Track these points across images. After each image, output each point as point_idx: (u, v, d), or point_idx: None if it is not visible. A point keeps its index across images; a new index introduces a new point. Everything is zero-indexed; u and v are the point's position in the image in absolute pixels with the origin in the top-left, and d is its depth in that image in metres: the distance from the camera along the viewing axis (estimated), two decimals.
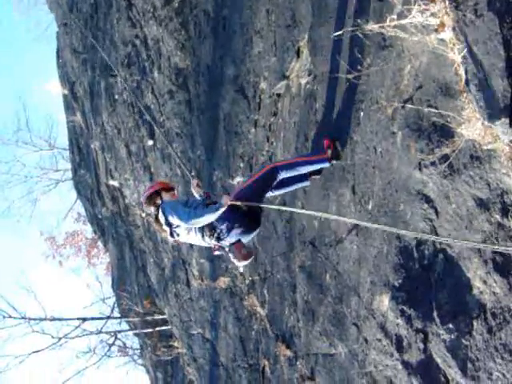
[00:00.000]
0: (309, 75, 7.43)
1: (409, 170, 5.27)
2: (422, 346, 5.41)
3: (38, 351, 22.74)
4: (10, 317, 22.49)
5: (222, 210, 5.98)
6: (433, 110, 4.89)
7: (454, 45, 4.48)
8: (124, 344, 25.73)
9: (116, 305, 23.59)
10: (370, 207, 6.03)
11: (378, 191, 5.86)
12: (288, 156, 7.88)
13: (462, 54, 4.33)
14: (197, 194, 6.97)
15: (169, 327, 16.48)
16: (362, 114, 6.13)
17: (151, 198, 6.63)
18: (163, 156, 12.88)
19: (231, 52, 9.53)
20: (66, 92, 21.43)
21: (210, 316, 12.35)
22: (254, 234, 6.68)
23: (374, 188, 5.93)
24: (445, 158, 4.80)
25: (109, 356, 24.52)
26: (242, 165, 9.59)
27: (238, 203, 6.12)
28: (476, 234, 4.53)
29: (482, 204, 4.45)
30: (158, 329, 17.75)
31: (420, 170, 5.11)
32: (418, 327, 5.44)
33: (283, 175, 6.37)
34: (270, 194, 6.75)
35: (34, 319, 22.91)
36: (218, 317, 11.83)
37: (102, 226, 20.91)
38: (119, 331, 24.38)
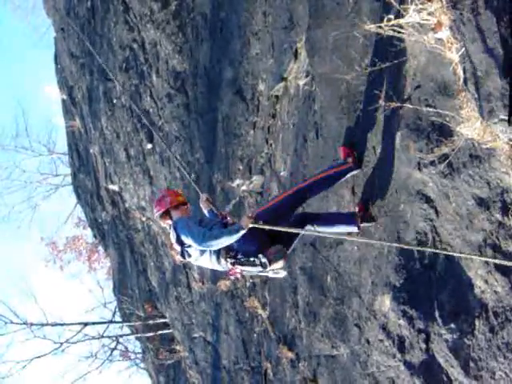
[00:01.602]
0: (307, 76, 7.42)
1: (408, 170, 5.26)
2: (424, 346, 5.40)
3: (40, 356, 22.75)
4: (12, 322, 22.50)
5: (242, 232, 5.39)
6: (431, 109, 4.88)
7: (451, 44, 4.47)
8: (126, 348, 25.72)
9: (117, 309, 23.56)
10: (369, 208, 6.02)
11: (377, 192, 5.85)
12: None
13: (460, 53, 4.32)
14: (206, 210, 6.44)
15: (170, 331, 16.47)
16: (360, 114, 6.12)
17: (161, 216, 6.17)
18: (162, 159, 12.88)
19: (229, 54, 9.52)
20: (65, 97, 21.42)
21: (212, 319, 12.33)
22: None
23: (373, 188, 5.92)
24: (444, 157, 4.79)
25: (111, 360, 24.52)
26: (241, 167, 9.58)
27: (260, 226, 5.44)
28: (476, 233, 4.52)
29: (482, 203, 4.44)
30: (159, 332, 17.73)
31: (419, 169, 5.10)
32: (419, 327, 5.43)
33: (312, 195, 6.02)
34: (311, 229, 6.02)
35: (36, 324, 22.93)
36: (220, 319, 11.81)
37: (103, 230, 20.89)
38: (121, 335, 24.38)
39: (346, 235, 5.92)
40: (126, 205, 16.81)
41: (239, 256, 5.68)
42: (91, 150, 18.72)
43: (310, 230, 6.02)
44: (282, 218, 5.74)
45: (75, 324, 22.71)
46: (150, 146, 13.43)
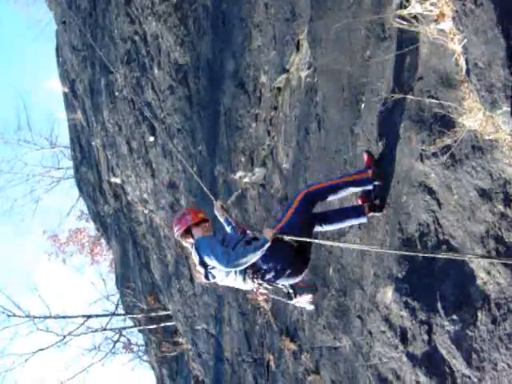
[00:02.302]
0: (309, 68, 7.41)
1: (411, 162, 5.25)
2: (426, 337, 5.40)
3: (43, 349, 22.81)
4: (15, 315, 22.54)
5: (267, 245, 5.19)
6: (434, 100, 4.86)
7: (454, 35, 4.46)
8: (129, 341, 25.78)
9: (120, 302, 23.63)
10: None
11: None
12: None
13: (463, 44, 4.31)
14: (221, 217, 6.21)
15: (173, 323, 16.51)
16: (362, 105, 6.11)
17: (182, 235, 5.92)
18: (164, 152, 12.88)
19: (231, 46, 9.51)
20: (67, 90, 21.41)
21: (214, 311, 12.36)
22: (303, 275, 5.73)
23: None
24: (446, 148, 4.78)
25: (114, 353, 24.59)
26: (243, 159, 9.58)
27: (284, 237, 5.29)
28: (479, 224, 4.52)
29: (485, 194, 4.43)
30: (162, 325, 17.77)
31: (422, 161, 5.09)
32: (422, 319, 5.43)
33: (323, 200, 5.78)
34: (319, 229, 5.93)
35: (39, 317, 22.97)
36: (222, 312, 11.83)
37: (105, 223, 20.92)
38: (124, 328, 24.44)
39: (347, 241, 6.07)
40: (129, 197, 16.83)
41: (267, 276, 5.45)
42: (93, 143, 18.72)
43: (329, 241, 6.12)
44: (306, 226, 5.61)
45: (78, 317, 22.76)
46: (152, 138, 13.43)
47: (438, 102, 4.81)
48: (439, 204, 4.95)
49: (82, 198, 25.47)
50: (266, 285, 5.49)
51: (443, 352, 5.18)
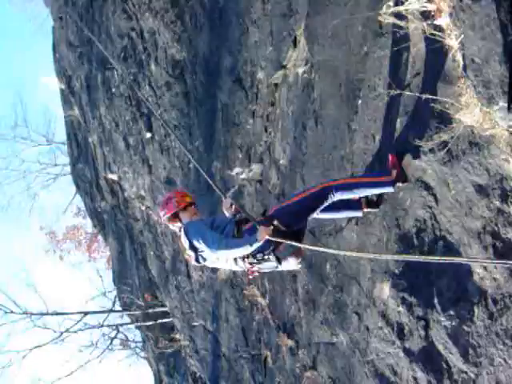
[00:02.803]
0: (306, 64, 7.41)
1: (408, 158, 5.26)
2: (423, 333, 5.41)
3: (41, 346, 22.78)
4: (12, 312, 22.49)
5: (259, 244, 5.14)
6: (431, 96, 4.86)
7: (451, 31, 4.46)
8: (126, 337, 25.76)
9: (117, 298, 23.60)
10: None
11: None
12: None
13: (459, 40, 4.31)
14: (229, 214, 5.95)
15: (170, 319, 16.51)
16: (360, 101, 6.12)
17: (169, 219, 5.82)
18: (161, 148, 12.87)
19: (228, 42, 9.50)
20: (63, 86, 21.37)
21: (212, 307, 12.36)
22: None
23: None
24: (443, 144, 4.78)
25: (111, 349, 24.55)
26: (240, 155, 9.58)
27: (276, 239, 5.17)
28: (476, 220, 4.53)
29: (482, 190, 4.44)
30: (159, 321, 17.76)
31: (419, 157, 5.09)
32: (418, 314, 5.44)
33: (338, 196, 5.34)
34: (315, 216, 5.71)
35: (36, 314, 22.91)
36: (220, 308, 11.84)
37: (102, 219, 20.90)
38: (121, 324, 24.41)
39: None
40: (126, 194, 16.82)
41: (258, 256, 5.41)
42: (90, 140, 18.70)
43: (318, 245, 6.11)
44: (300, 217, 5.46)
45: (75, 313, 22.69)
46: (149, 134, 13.41)
47: (435, 97, 4.82)
48: (436, 200, 4.96)
49: (78, 195, 25.43)
50: (256, 263, 5.49)
51: (440, 347, 5.20)
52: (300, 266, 5.72)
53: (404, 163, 5.29)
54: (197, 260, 5.60)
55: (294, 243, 5.19)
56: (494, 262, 4.29)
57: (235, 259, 5.49)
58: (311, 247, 5.75)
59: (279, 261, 5.44)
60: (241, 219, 5.61)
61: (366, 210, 5.80)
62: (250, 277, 5.73)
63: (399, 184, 5.29)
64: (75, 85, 19.22)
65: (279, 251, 5.41)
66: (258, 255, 5.39)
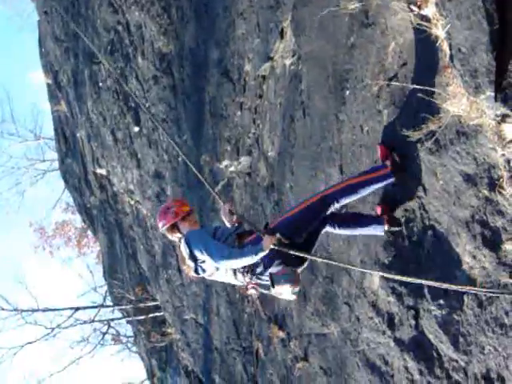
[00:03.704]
0: (293, 56, 7.40)
1: (396, 146, 5.26)
2: (413, 322, 5.44)
3: (32, 342, 22.75)
4: (3, 309, 22.43)
5: (263, 254, 4.93)
6: (418, 86, 4.87)
7: (437, 20, 4.46)
8: (117, 332, 25.79)
9: (108, 293, 23.58)
10: None
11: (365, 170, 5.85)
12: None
13: (446, 30, 4.31)
14: (228, 222, 5.75)
15: (161, 313, 16.50)
16: (347, 92, 6.11)
17: (168, 230, 5.62)
18: (150, 142, 12.83)
19: (215, 35, 9.47)
20: (50, 81, 21.25)
21: (202, 301, 12.37)
22: (300, 270, 5.41)
23: (361, 167, 5.92)
24: (431, 134, 4.79)
25: (102, 344, 24.59)
26: (228, 148, 9.56)
27: (282, 249, 4.98)
28: (464, 209, 4.54)
29: (470, 179, 4.45)
30: (150, 315, 17.76)
31: (407, 147, 5.10)
32: (409, 304, 5.47)
33: (343, 202, 5.25)
34: (331, 230, 5.59)
35: (27, 310, 22.88)
36: (210, 301, 11.85)
37: (91, 214, 20.84)
38: (112, 319, 24.41)
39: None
40: (115, 188, 16.77)
41: (257, 270, 5.22)
42: (78, 135, 18.62)
43: (323, 257, 5.89)
44: (301, 229, 5.24)
45: (66, 309, 22.66)
46: (136, 128, 13.37)
47: (422, 87, 4.82)
48: (424, 190, 4.98)
49: (67, 190, 25.33)
50: (255, 279, 5.29)
51: (430, 336, 5.22)
52: (294, 297, 5.37)
53: (394, 153, 5.24)
54: (196, 271, 5.40)
55: (298, 253, 5.04)
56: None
57: (235, 272, 5.30)
58: (317, 258, 5.65)
59: (272, 283, 5.15)
60: (243, 232, 5.43)
61: (387, 228, 5.46)
62: (248, 292, 5.43)
63: (393, 179, 5.17)
64: (62, 80, 19.11)
65: (277, 274, 5.16)
66: (257, 269, 5.20)
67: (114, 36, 13.67)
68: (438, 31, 4.47)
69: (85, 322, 23.05)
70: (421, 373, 5.47)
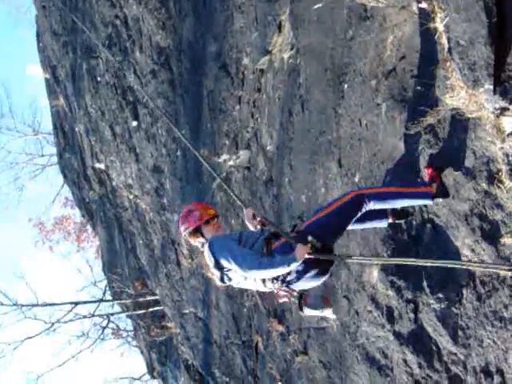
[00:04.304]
0: (291, 49, 7.38)
1: (394, 141, 5.26)
2: (412, 316, 5.45)
3: (32, 337, 22.74)
4: (2, 304, 22.40)
5: (296, 265, 4.54)
6: (416, 79, 4.87)
7: (435, 14, 4.45)
8: (117, 326, 25.78)
9: (108, 288, 23.58)
10: (356, 179, 6.02)
11: (364, 163, 5.85)
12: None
13: (444, 23, 4.30)
14: (253, 227, 5.38)
15: (161, 308, 16.51)
16: (346, 86, 6.10)
17: (190, 235, 5.25)
18: (148, 136, 12.80)
19: (213, 29, 9.44)
20: (48, 76, 21.18)
21: (202, 295, 12.37)
22: (327, 277, 5.04)
23: (360, 160, 5.92)
24: (430, 127, 4.79)
25: (102, 339, 24.57)
26: (227, 142, 9.55)
27: (317, 256, 4.60)
28: (463, 202, 4.54)
29: (469, 173, 4.45)
30: (150, 310, 17.78)
31: (405, 140, 5.10)
32: (408, 297, 5.47)
33: (371, 206, 4.78)
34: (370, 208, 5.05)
35: (26, 305, 22.85)
36: (210, 295, 11.85)
37: (90, 209, 20.83)
38: (112, 314, 24.41)
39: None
40: (113, 183, 16.75)
41: (289, 278, 4.78)
42: (76, 129, 18.58)
43: (360, 258, 5.38)
44: (337, 230, 4.89)
45: (66, 304, 22.65)
46: (135, 123, 13.33)
47: (420, 81, 4.82)
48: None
49: (66, 185, 25.30)
50: (286, 287, 4.87)
51: (429, 330, 5.23)
52: (334, 317, 5.24)
53: (443, 175, 4.80)
54: (222, 280, 5.01)
55: (332, 258, 4.81)
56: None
57: (264, 280, 4.89)
58: (357, 259, 5.39)
59: (301, 308, 4.84)
60: (269, 236, 4.93)
61: (392, 220, 5.29)
62: (280, 301, 5.06)
63: (439, 199, 4.74)
64: (60, 74, 19.06)
65: (305, 298, 4.83)
66: (289, 277, 4.77)
67: (111, 30, 13.62)
68: (437, 24, 4.47)
69: (84, 317, 23.05)
70: (420, 366, 5.49)
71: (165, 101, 11.54)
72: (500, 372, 4.51)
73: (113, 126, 14.87)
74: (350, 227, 5.08)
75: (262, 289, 5.05)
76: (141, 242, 15.65)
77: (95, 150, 16.98)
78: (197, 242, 5.24)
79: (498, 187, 4.17)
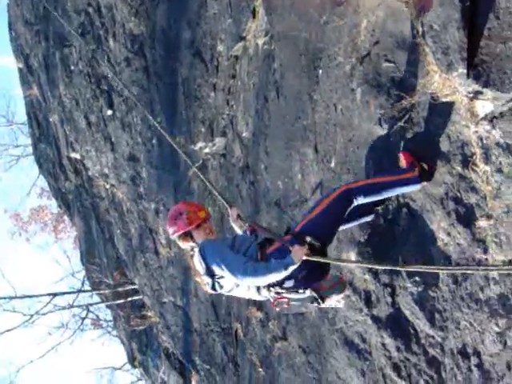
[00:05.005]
0: (265, 35, 7.34)
1: (369, 126, 5.26)
2: (390, 300, 5.48)
3: (10, 330, 22.59)
4: None
5: (293, 268, 4.33)
6: (391, 64, 4.86)
7: None
8: (97, 317, 25.75)
9: (86, 278, 23.46)
10: (332, 165, 6.03)
11: (340, 149, 5.85)
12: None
13: (418, 7, 4.30)
14: (239, 228, 5.29)
15: (140, 297, 16.48)
16: (320, 71, 6.08)
17: (180, 239, 4.96)
18: (123, 125, 12.70)
19: (186, 15, 9.35)
20: (21, 65, 20.91)
21: (181, 283, 12.36)
22: (326, 278, 4.86)
23: (335, 146, 5.92)
24: (404, 112, 4.79)
25: (82, 330, 24.56)
26: (203, 129, 9.50)
27: (315, 259, 4.40)
28: (438, 186, 4.56)
29: (443, 156, 4.46)
30: (129, 299, 17.73)
31: (380, 125, 5.10)
32: (385, 282, 5.50)
33: (361, 200, 4.67)
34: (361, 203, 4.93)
35: (4, 298, 22.69)
36: (189, 283, 11.84)
37: (67, 199, 20.66)
38: (91, 304, 24.35)
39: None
40: (89, 173, 16.62)
41: (286, 284, 4.57)
42: (51, 119, 18.39)
43: (362, 262, 5.39)
44: (332, 227, 4.76)
45: (44, 295, 22.52)
46: (110, 111, 13.21)
47: (394, 65, 4.82)
48: (398, 167, 4.98)
49: (42, 176, 25.08)
50: (285, 293, 4.66)
51: (407, 313, 5.27)
52: (343, 302, 4.90)
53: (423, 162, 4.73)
54: (213, 287, 4.76)
55: (331, 261, 4.72)
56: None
57: (258, 288, 4.68)
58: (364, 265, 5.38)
59: (322, 299, 4.68)
60: (263, 242, 4.77)
61: (375, 208, 5.21)
62: (277, 309, 4.82)
63: (424, 183, 4.68)
64: (33, 63, 18.82)
65: (322, 289, 4.66)
66: (286, 283, 4.55)
67: (84, 18, 13.46)
68: (411, 8, 4.46)
69: (63, 308, 22.96)
70: (398, 349, 5.53)
71: (139, 89, 11.45)
72: (477, 353, 4.56)
73: (87, 115, 14.73)
74: (344, 227, 5.02)
75: (256, 297, 4.86)
76: (118, 231, 15.57)
77: (70, 140, 16.82)
78: (186, 245, 4.99)
79: (473, 170, 4.19)
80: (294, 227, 4.78)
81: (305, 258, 4.31)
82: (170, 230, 4.97)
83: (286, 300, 4.66)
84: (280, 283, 4.53)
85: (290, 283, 4.54)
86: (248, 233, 5.09)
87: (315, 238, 4.50)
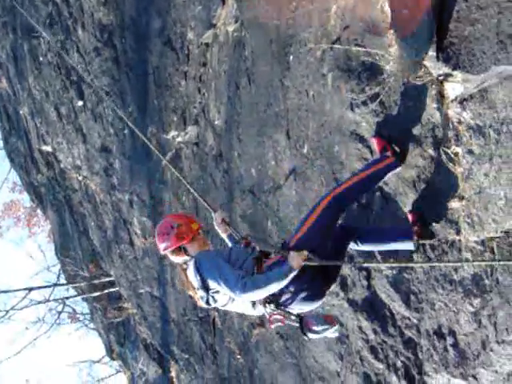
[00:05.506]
0: (236, 22, 7.30)
1: (341, 111, 5.27)
2: (365, 283, 5.52)
3: None
4: None
5: (293, 275, 4.16)
6: (361, 49, 4.87)
7: None
8: (73, 310, 25.57)
9: (61, 272, 23.29)
10: (305, 151, 6.03)
11: (312, 134, 5.86)
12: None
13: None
14: (224, 233, 5.18)
15: (117, 289, 16.40)
16: (291, 57, 6.07)
17: (172, 253, 4.74)
18: (94, 116, 12.59)
19: (155, 3, 9.27)
20: None
21: (157, 273, 12.32)
22: (323, 300, 4.70)
23: (308, 131, 5.93)
24: (375, 96, 4.81)
25: (59, 324, 24.37)
26: (175, 118, 9.45)
27: (314, 263, 4.25)
28: (410, 169, 4.59)
29: (415, 140, 4.49)
30: (106, 291, 17.64)
31: (352, 110, 5.11)
32: (360, 265, 5.54)
33: (355, 199, 4.90)
34: (355, 247, 4.95)
35: None
36: (165, 273, 11.81)
37: (40, 193, 20.45)
38: (67, 298, 24.15)
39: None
40: (61, 165, 16.46)
41: (282, 298, 4.40)
42: (21, 112, 18.16)
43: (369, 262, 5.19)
44: (325, 236, 4.54)
45: (20, 290, 22.29)
46: (80, 102, 13.08)
47: (365, 50, 4.82)
48: (371, 152, 5.01)
49: (13, 170, 24.80)
50: (280, 310, 4.43)
51: (382, 296, 5.31)
52: (337, 333, 4.57)
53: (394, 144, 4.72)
54: (207, 302, 4.55)
55: (330, 263, 4.46)
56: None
57: (254, 303, 4.47)
58: (368, 265, 5.35)
59: (302, 332, 4.42)
60: (259, 255, 4.57)
61: (418, 239, 4.73)
62: (272, 326, 4.55)
63: (399, 168, 4.66)
64: (1, 56, 18.56)
65: (307, 323, 4.38)
66: (283, 298, 4.39)
67: (52, 8, 13.28)
68: None
69: (39, 302, 22.75)
70: (375, 332, 5.58)
71: (110, 79, 11.34)
72: (452, 333, 4.61)
73: (58, 107, 14.57)
74: (367, 247, 4.93)
75: (250, 312, 4.66)
76: (92, 223, 15.46)
77: (41, 133, 16.63)
78: (179, 259, 4.73)
79: (444, 153, 4.22)
80: (288, 242, 4.61)
81: (303, 263, 4.16)
82: (162, 246, 4.74)
83: (281, 317, 4.44)
84: (276, 298, 4.37)
85: (285, 297, 4.39)
86: (242, 246, 4.83)
87: (311, 249, 4.31)
